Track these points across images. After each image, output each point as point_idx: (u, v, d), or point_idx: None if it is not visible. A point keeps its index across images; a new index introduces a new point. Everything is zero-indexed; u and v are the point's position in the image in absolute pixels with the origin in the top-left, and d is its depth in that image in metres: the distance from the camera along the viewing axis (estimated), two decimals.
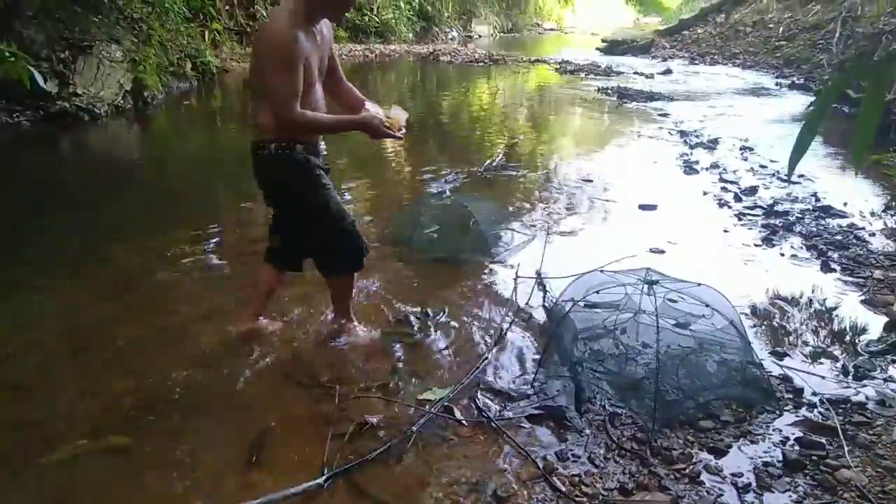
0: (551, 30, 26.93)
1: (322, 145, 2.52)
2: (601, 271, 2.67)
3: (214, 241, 3.76)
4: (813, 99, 8.58)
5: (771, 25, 13.26)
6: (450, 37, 20.90)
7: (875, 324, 2.79)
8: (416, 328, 2.76)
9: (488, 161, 5.44)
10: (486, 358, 2.54)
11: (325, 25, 2.34)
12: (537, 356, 2.56)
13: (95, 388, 2.33)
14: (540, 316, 2.87)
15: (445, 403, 2.25)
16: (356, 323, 2.73)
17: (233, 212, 4.43)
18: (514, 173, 5.18)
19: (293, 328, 2.78)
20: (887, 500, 1.80)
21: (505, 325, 2.77)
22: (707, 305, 2.37)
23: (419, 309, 2.91)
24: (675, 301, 2.58)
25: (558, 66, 12.19)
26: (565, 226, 3.94)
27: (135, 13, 8.26)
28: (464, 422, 2.18)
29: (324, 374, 2.44)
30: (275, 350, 2.60)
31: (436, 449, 2.05)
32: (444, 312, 2.87)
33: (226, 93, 10.12)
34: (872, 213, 4.22)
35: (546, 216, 4.11)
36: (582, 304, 2.58)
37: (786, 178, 4.93)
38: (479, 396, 2.30)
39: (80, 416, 2.18)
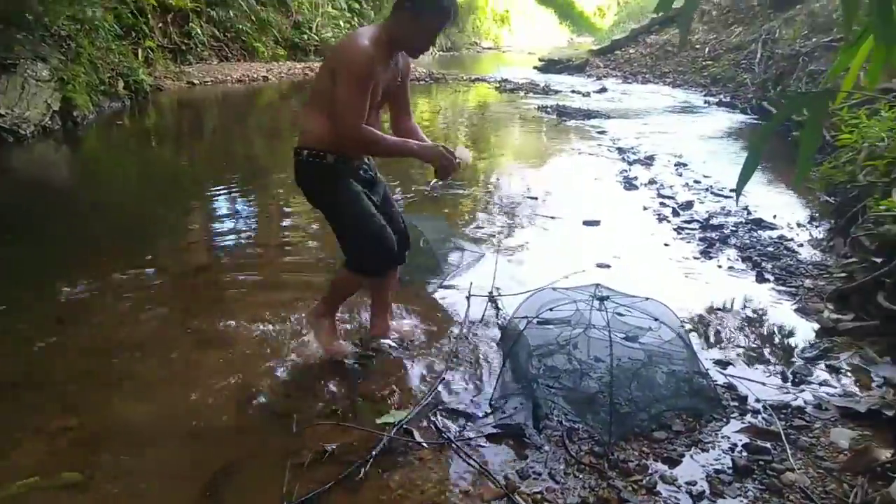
0: (489, 48, 27.40)
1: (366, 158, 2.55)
2: (553, 288, 2.72)
3: (153, 268, 3.66)
4: (741, 117, 9.05)
5: (697, 46, 13.91)
6: None
7: (808, 331, 2.95)
8: (372, 351, 2.75)
9: (434, 180, 5.46)
10: (443, 378, 2.55)
11: (402, 57, 2.44)
12: (493, 375, 2.58)
13: (39, 424, 2.22)
14: (494, 334, 2.90)
15: (404, 426, 2.24)
16: (330, 325, 2.71)
17: (171, 236, 4.31)
18: (461, 191, 5.23)
19: (254, 349, 2.74)
20: (829, 499, 1.90)
21: (459, 345, 2.78)
22: (656, 319, 2.46)
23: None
24: (622, 315, 2.66)
25: (498, 85, 12.42)
26: (513, 243, 4.00)
27: (62, 30, 7.96)
28: (424, 444, 2.17)
29: (280, 401, 2.39)
30: (227, 377, 2.54)
31: (397, 473, 2.04)
32: (399, 334, 2.86)
33: (160, 112, 9.85)
34: (799, 225, 4.46)
35: (494, 233, 4.16)
36: (535, 321, 2.63)
37: (719, 192, 5.17)
38: (439, 418, 2.31)
39: (24, 453, 2.07)
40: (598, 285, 2.67)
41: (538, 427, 2.25)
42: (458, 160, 2.41)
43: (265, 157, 7.18)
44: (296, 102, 11.84)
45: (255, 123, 9.43)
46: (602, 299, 2.50)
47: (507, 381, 2.49)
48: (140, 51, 10.97)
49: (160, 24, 12.53)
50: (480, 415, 2.34)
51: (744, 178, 1.23)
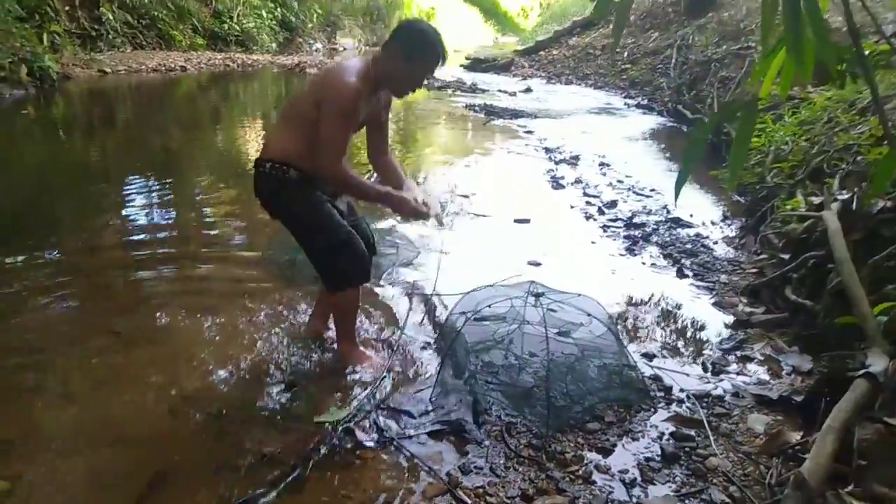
0: None
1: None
2: (490, 286, 2.77)
3: (64, 265, 3.49)
4: (659, 119, 9.46)
5: (617, 50, 14.42)
6: (314, 48, 20.61)
7: (725, 323, 3.13)
8: (310, 350, 2.71)
9: (365, 177, 5.43)
10: (384, 376, 2.55)
11: (384, 93, 2.46)
12: (432, 372, 2.61)
13: None
14: (433, 332, 2.92)
15: (345, 425, 2.23)
16: (362, 348, 2.68)
17: (86, 232, 4.09)
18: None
19: (182, 349, 2.65)
20: (748, 481, 2.04)
21: (399, 343, 2.79)
22: (589, 315, 2.56)
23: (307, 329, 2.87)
24: (555, 311, 2.75)
25: (426, 82, 12.45)
26: (448, 241, 4.04)
27: None
28: (365, 443, 2.18)
29: (213, 403, 2.33)
30: (156, 380, 2.45)
31: (339, 473, 2.03)
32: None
33: (69, 101, 9.28)
34: (713, 223, 4.72)
35: (429, 232, 4.18)
36: (472, 317, 2.67)
37: (641, 191, 5.40)
38: (380, 416, 2.31)
39: None
40: (532, 282, 2.74)
41: (478, 422, 2.29)
42: (430, 213, 2.45)
43: (184, 149, 6.90)
44: (216, 94, 11.46)
45: (174, 115, 9.05)
46: (537, 296, 2.57)
47: (446, 377, 2.52)
48: (45, 35, 10.29)
49: (67, 8, 11.81)
50: (421, 412, 2.36)
51: (679, 184, 1.30)
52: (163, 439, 2.15)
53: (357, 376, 2.55)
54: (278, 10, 18.79)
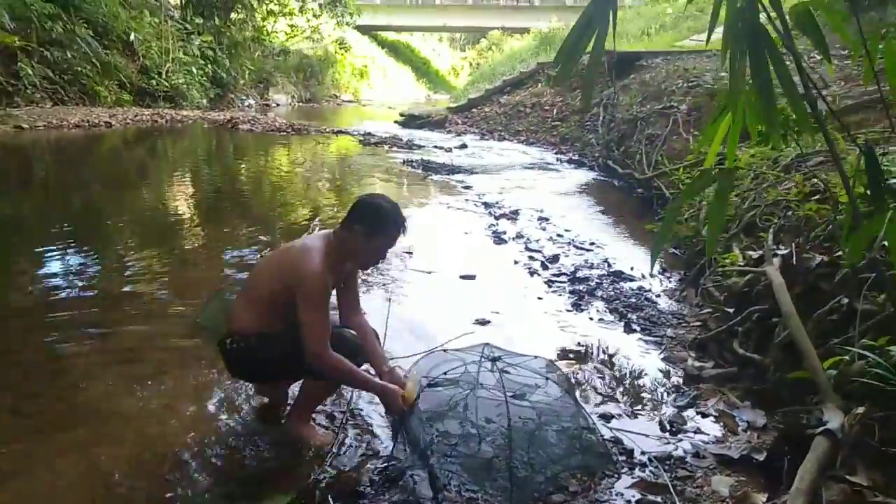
0: (349, 101, 27.69)
1: None
2: (444, 350, 2.66)
3: None
4: (590, 174, 9.75)
5: (547, 107, 14.96)
6: (246, 104, 20.46)
7: (677, 379, 3.12)
8: (253, 427, 2.51)
9: (305, 233, 5.29)
10: (333, 453, 2.38)
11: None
12: (386, 445, 2.45)
13: None
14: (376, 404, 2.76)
15: None
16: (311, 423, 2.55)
17: None
18: None
19: (107, 431, 2.38)
20: None
21: (348, 415, 2.62)
22: (546, 378, 2.48)
23: (250, 404, 2.66)
24: (509, 373, 2.66)
25: (362, 138, 12.47)
26: (394, 300, 3.92)
27: None
28: None
29: (145, 493, 2.09)
30: (77, 468, 2.19)
31: None
32: (281, 407, 2.65)
33: None
34: (652, 276, 4.80)
35: (372, 290, 4.05)
36: (426, 385, 2.55)
37: (581, 245, 5.46)
38: (330, 498, 2.13)
39: None
40: (486, 344, 2.65)
41: (438, 501, 2.14)
42: (404, 392, 2.37)
43: (108, 207, 6.52)
44: (142, 150, 11.08)
45: (97, 172, 8.64)
46: (494, 360, 2.48)
47: (400, 451, 2.36)
48: None
49: None
50: (375, 491, 2.19)
51: (654, 257, 1.25)
52: None
53: (306, 454, 2.37)
54: (209, 66, 18.62)
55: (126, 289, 3.98)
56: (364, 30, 33.30)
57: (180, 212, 6.43)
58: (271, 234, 5.33)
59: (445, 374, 2.47)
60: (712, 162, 2.30)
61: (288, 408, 2.60)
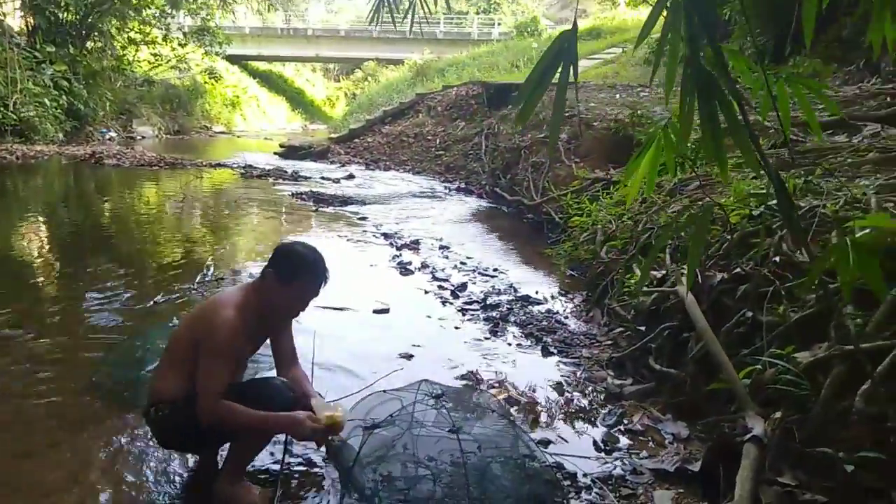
0: (222, 133, 26.58)
1: None
2: (384, 391, 2.59)
3: None
4: (479, 202, 10.01)
5: (429, 137, 15.24)
6: (108, 137, 19.02)
7: (600, 398, 3.24)
8: (173, 495, 2.28)
9: (200, 275, 4.98)
10: None
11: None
12: (330, 495, 2.32)
13: None
14: (319, 448, 2.62)
15: None
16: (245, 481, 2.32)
17: None
18: (236, 283, 4.81)
19: None
20: None
21: (282, 469, 2.46)
22: (493, 410, 2.48)
23: (174, 469, 2.43)
24: (448, 409, 2.63)
25: (243, 171, 12.01)
26: (308, 342, 3.76)
27: None
28: None
29: None
30: None
31: None
32: (211, 468, 2.44)
33: None
34: (554, 298, 4.98)
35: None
36: (369, 429, 2.46)
37: (485, 272, 5.56)
38: None
39: None
40: (424, 381, 2.62)
41: None
42: (326, 418, 2.23)
43: None
44: None
45: None
46: (438, 397, 2.44)
47: (349, 501, 2.26)
48: None
49: None
50: None
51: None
52: None
53: None
54: (63, 97, 17.17)
55: None
56: (234, 59, 32.28)
57: (34, 257, 5.82)
58: (177, 280, 4.96)
59: (392, 416, 2.39)
60: (635, 194, 2.45)
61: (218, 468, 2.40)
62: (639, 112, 7.50)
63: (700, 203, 4.10)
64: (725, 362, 2.65)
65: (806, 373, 2.38)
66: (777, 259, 2.95)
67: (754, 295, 2.87)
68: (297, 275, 2.27)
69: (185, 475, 2.42)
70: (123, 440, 2.63)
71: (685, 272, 3.33)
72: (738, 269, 3.07)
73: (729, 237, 3.29)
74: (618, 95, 11.24)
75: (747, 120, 1.51)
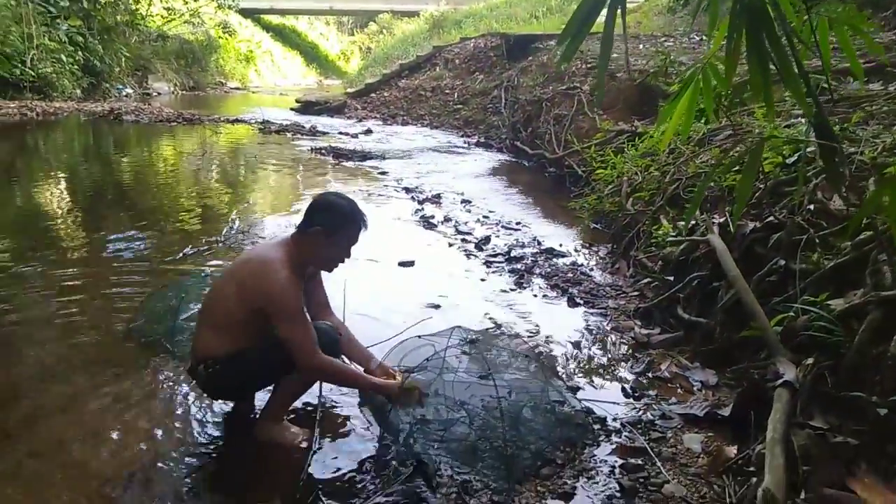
0: (237, 89, 26.39)
1: None
2: (419, 336, 2.63)
3: None
4: (500, 156, 9.92)
5: (447, 91, 15.02)
6: (124, 94, 18.99)
7: (628, 347, 3.26)
8: (221, 437, 2.36)
9: (226, 228, 5.04)
10: (311, 449, 2.29)
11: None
12: (365, 439, 2.39)
13: None
14: (353, 395, 2.69)
15: None
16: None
17: None
18: (261, 239, 4.87)
19: (60, 460, 2.15)
20: (705, 503, 2.09)
21: (320, 410, 2.53)
22: (526, 356, 2.51)
23: (212, 413, 2.51)
24: (486, 353, 2.68)
25: (261, 126, 11.96)
26: (339, 290, 3.81)
27: None
28: None
29: None
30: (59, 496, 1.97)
31: None
32: (249, 412, 2.51)
33: None
34: (577, 251, 4.98)
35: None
36: (402, 371, 2.52)
37: (508, 225, 5.55)
38: (321, 497, 2.05)
39: None
40: (457, 327, 2.65)
41: (432, 487, 2.13)
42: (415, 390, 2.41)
43: None
44: (10, 147, 10.03)
45: None
46: (472, 342, 2.48)
47: (385, 443, 2.32)
48: None
49: None
50: (366, 486, 2.14)
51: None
52: None
53: (284, 455, 2.26)
54: (79, 53, 17.09)
55: (23, 300, 3.59)
56: (247, 13, 31.76)
57: (65, 212, 5.90)
58: (204, 233, 5.02)
59: (428, 359, 2.44)
60: (670, 138, 2.41)
61: (257, 411, 2.47)
62: (670, 58, 7.28)
63: (730, 153, 4.02)
64: (757, 310, 2.64)
65: (840, 320, 2.37)
66: (812, 207, 2.91)
67: (787, 243, 2.84)
68: (340, 225, 2.29)
69: (224, 418, 2.49)
70: (162, 384, 2.71)
71: (716, 221, 3.30)
72: (771, 218, 3.03)
73: (762, 186, 3.24)
74: (641, 46, 10.93)
75: (797, 56, 1.47)
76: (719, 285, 3.09)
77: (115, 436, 2.35)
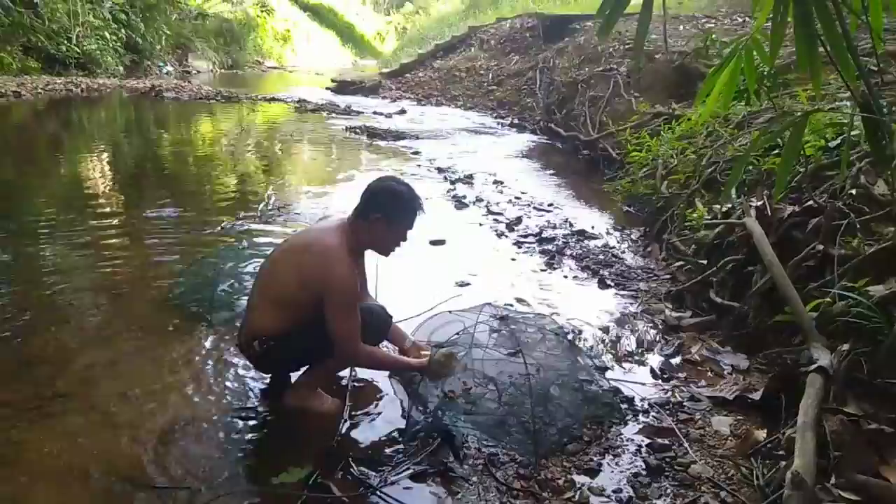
0: (274, 68, 26.63)
1: None
2: (449, 311, 2.66)
3: None
4: (533, 138, 9.85)
5: (482, 72, 14.92)
6: (165, 71, 19.33)
7: (658, 329, 3.24)
8: (257, 404, 2.44)
9: (262, 204, 5.13)
10: (343, 418, 2.35)
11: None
12: (395, 410, 2.44)
13: None
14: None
15: (319, 480, 2.01)
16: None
17: None
18: (297, 214, 4.96)
19: (108, 420, 2.26)
20: (735, 484, 2.08)
21: (352, 381, 2.58)
22: (557, 334, 2.52)
23: (247, 380, 2.58)
24: (502, 329, 2.70)
25: (297, 105, 12.07)
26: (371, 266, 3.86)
27: None
28: (345, 498, 1.97)
29: (163, 475, 2.00)
30: (82, 458, 2.07)
31: None
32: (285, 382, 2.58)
33: None
34: (610, 232, 4.93)
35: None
36: (432, 346, 2.56)
37: (540, 207, 5.53)
38: (353, 466, 2.11)
39: None
40: (487, 304, 2.67)
41: (459, 458, 2.16)
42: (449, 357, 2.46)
43: (14, 188, 6.02)
44: (56, 122, 10.32)
45: (7, 145, 7.99)
46: (503, 318, 2.50)
47: (413, 415, 2.36)
48: None
49: None
50: (395, 455, 2.19)
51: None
52: None
53: (317, 423, 2.33)
54: (122, 31, 17.43)
55: (69, 269, 3.72)
56: None
57: (111, 185, 6.06)
58: (242, 208, 5.12)
59: (458, 334, 2.47)
60: (710, 112, 2.37)
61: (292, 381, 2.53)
62: (713, 37, 7.09)
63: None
64: (793, 295, 2.60)
65: (879, 306, 2.32)
66: (854, 191, 2.84)
67: (827, 228, 2.78)
68: (400, 213, 2.31)
69: (259, 385, 2.56)
70: (200, 351, 2.79)
71: (753, 204, 3.24)
72: (811, 202, 2.97)
73: (802, 169, 3.17)
74: (681, 27, 10.68)
75: (845, 27, 1.43)
76: (754, 269, 3.05)
77: (155, 397, 2.44)
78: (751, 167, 3.77)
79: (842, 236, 2.71)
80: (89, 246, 4.07)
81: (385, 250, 2.42)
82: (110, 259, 3.84)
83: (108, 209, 5.11)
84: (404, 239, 2.40)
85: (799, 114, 1.31)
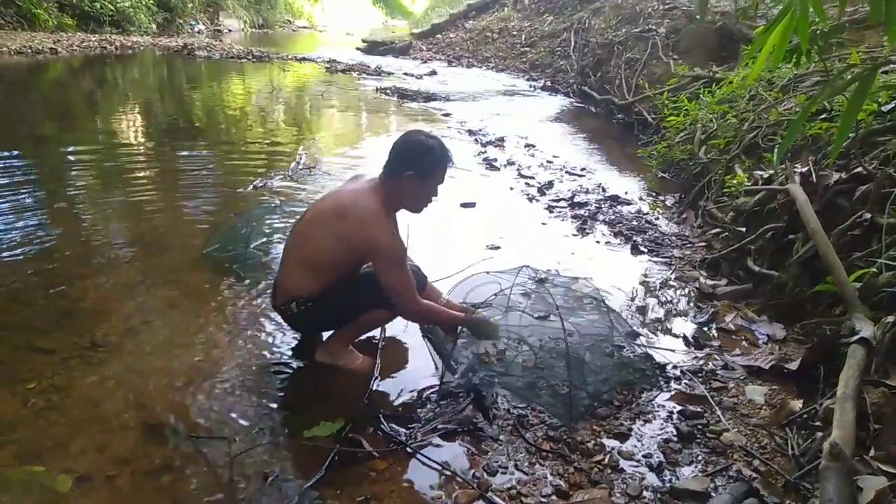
0: (304, 28, 26.47)
1: None
2: (486, 272, 2.64)
3: None
4: (566, 101, 9.64)
5: (514, 33, 14.63)
6: (196, 30, 19.35)
7: (692, 297, 3.19)
8: (289, 359, 2.47)
9: (293, 164, 5.13)
10: (375, 376, 2.37)
11: None
12: (426, 369, 2.45)
13: None
14: (415, 326, 2.74)
15: (350, 436, 2.03)
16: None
17: None
18: (328, 174, 4.95)
19: (140, 367, 2.31)
20: (768, 454, 2.05)
21: (383, 340, 2.60)
22: (595, 299, 2.49)
23: (279, 336, 2.61)
24: (528, 296, 2.67)
25: (328, 65, 11.99)
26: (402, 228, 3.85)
27: None
28: (375, 453, 1.99)
29: (199, 427, 2.05)
30: (123, 406, 2.12)
31: (356, 489, 1.84)
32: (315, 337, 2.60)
33: None
34: (643, 198, 4.84)
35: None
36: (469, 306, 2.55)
37: (572, 171, 5.44)
38: (384, 423, 2.13)
39: None
40: (525, 266, 2.65)
41: (489, 418, 2.17)
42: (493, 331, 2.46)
43: (55, 143, 6.10)
44: (91, 79, 10.40)
45: (41, 103, 8.09)
46: (541, 281, 2.47)
47: (445, 374, 2.37)
48: None
49: None
50: (425, 414, 2.20)
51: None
52: (152, 473, 1.85)
53: (349, 379, 2.35)
54: None
55: (104, 227, 3.77)
56: None
57: (145, 142, 6.11)
58: (271, 167, 5.13)
59: (496, 294, 2.45)
60: (760, 69, 2.26)
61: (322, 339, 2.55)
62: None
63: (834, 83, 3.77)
64: (836, 264, 2.52)
65: None
66: None
67: (876, 196, 2.68)
68: (431, 168, 2.26)
69: (291, 340, 2.59)
70: (232, 305, 2.83)
71: (798, 170, 3.13)
72: (860, 169, 2.85)
73: (852, 134, 3.03)
74: None
75: None
76: (795, 238, 2.96)
77: (191, 350, 2.48)
78: (802, 132, 3.62)
79: (891, 205, 2.60)
80: (124, 203, 4.12)
81: (418, 207, 2.38)
82: (145, 215, 3.89)
83: (141, 166, 5.16)
84: (436, 194, 2.37)
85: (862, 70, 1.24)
